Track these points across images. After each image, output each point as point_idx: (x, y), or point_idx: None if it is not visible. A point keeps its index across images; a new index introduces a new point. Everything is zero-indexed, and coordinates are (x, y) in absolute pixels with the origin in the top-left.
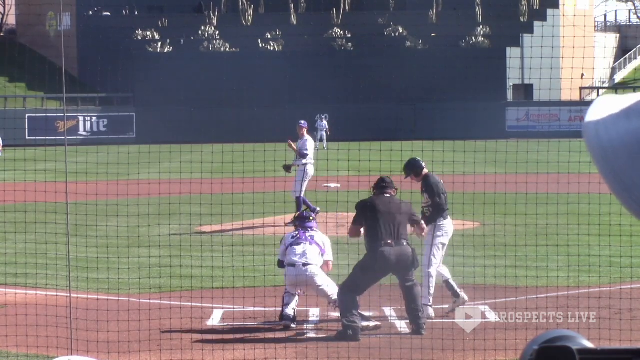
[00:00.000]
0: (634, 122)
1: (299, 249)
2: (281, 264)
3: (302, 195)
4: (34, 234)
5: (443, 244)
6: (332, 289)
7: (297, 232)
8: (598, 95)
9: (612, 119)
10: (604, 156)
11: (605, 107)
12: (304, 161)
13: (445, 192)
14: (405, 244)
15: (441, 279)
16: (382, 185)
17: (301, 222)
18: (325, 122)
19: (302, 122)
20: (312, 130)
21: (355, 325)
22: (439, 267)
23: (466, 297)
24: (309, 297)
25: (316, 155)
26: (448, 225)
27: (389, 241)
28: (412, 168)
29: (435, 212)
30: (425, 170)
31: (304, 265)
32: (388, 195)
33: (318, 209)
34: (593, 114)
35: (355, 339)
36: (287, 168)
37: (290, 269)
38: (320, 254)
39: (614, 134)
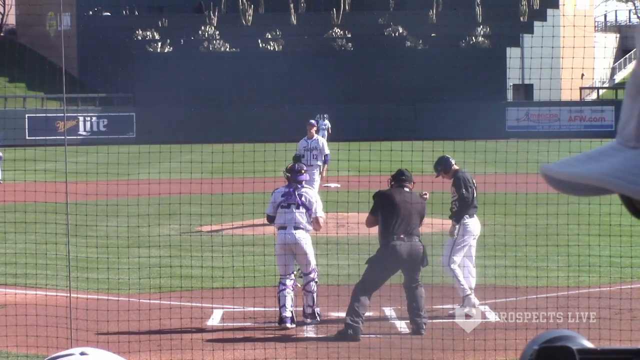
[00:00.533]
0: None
1: (288, 211)
2: (270, 219)
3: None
4: (34, 234)
5: (465, 245)
6: (312, 261)
7: (287, 189)
8: (598, 95)
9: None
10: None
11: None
12: (318, 162)
13: (475, 188)
14: (417, 240)
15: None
16: (401, 178)
17: (293, 175)
18: (327, 122)
19: (312, 120)
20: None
21: (357, 325)
22: (468, 273)
23: (469, 312)
24: (307, 296)
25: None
26: (473, 224)
27: (401, 235)
28: (442, 165)
29: (461, 206)
30: (455, 167)
31: (295, 228)
32: (407, 190)
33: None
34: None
35: (356, 339)
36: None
37: (281, 231)
38: (308, 215)
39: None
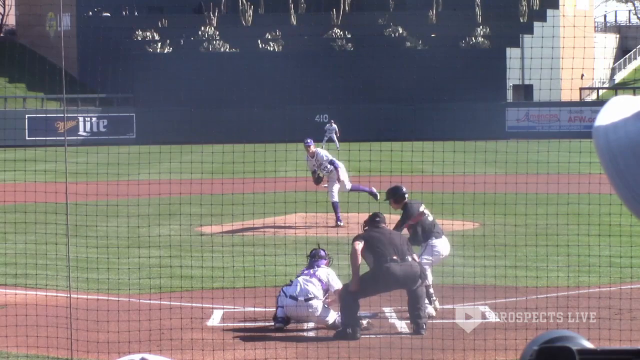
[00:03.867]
0: None
1: (301, 281)
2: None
3: (336, 199)
4: (34, 235)
5: (430, 264)
6: (331, 317)
7: (307, 270)
8: (598, 95)
9: (622, 121)
10: (611, 156)
11: (617, 109)
12: (329, 167)
13: (430, 217)
14: (410, 259)
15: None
16: (375, 220)
17: (312, 260)
18: (335, 125)
19: (308, 140)
20: (322, 133)
21: (354, 324)
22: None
23: (433, 312)
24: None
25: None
26: (441, 246)
27: (394, 257)
28: (393, 195)
29: (413, 234)
30: (406, 200)
31: (306, 300)
32: (383, 226)
33: (341, 223)
34: (603, 117)
35: (355, 337)
36: (318, 180)
37: (291, 301)
38: (322, 288)
39: (622, 134)
